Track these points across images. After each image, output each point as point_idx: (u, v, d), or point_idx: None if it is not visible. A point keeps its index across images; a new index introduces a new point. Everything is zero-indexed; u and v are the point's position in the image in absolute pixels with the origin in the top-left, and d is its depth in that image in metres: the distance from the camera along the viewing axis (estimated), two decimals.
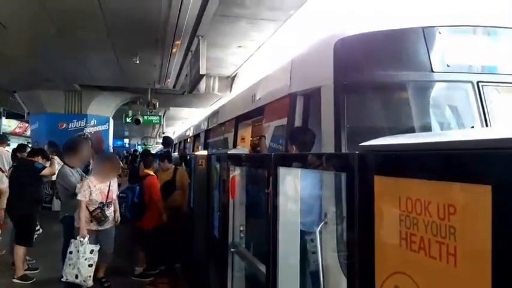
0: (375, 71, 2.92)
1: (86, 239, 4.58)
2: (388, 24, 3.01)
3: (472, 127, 2.83)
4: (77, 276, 4.51)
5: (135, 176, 7.48)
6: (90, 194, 4.76)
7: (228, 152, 3.34)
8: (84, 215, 4.68)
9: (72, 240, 4.59)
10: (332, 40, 3.02)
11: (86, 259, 4.53)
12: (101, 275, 5.13)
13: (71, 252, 4.54)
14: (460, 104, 2.94)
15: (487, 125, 2.78)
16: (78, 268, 4.50)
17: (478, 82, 2.85)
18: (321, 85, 3.08)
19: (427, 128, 2.81)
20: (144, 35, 6.66)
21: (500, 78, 2.87)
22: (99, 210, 4.78)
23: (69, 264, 4.52)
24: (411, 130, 2.79)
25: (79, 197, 4.71)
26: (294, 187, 2.17)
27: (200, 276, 4.33)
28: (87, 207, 4.74)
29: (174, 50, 6.88)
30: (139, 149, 33.07)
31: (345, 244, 2.66)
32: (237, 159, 3.04)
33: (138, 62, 7.49)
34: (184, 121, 22.65)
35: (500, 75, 2.87)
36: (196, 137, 10.53)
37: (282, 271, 2.16)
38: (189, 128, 12.80)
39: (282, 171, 2.08)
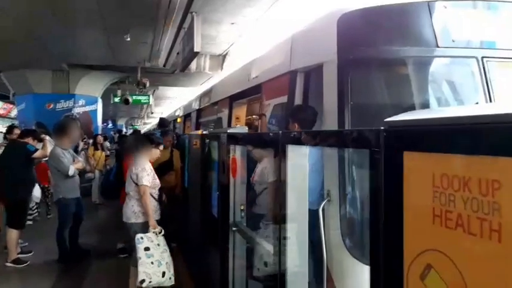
0: (379, 47, 2.86)
1: (160, 229, 4.07)
2: None
3: (477, 103, 2.81)
4: (163, 274, 3.89)
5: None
6: (154, 178, 4.27)
7: (228, 131, 3.28)
8: (150, 203, 4.11)
9: (141, 235, 3.93)
10: (335, 15, 2.94)
11: (167, 251, 4.03)
12: None
13: (147, 249, 3.86)
14: (465, 79, 2.90)
15: (491, 101, 2.76)
16: (167, 263, 3.94)
17: (482, 57, 2.82)
18: (323, 61, 3.01)
19: (432, 104, 2.78)
20: (136, 11, 6.47)
21: (505, 53, 2.84)
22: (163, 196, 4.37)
23: (151, 263, 3.84)
24: (415, 106, 2.76)
25: (144, 182, 4.08)
26: (302, 166, 2.14)
27: (198, 255, 4.31)
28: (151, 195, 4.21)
29: (166, 27, 6.71)
30: (128, 130, 32.78)
31: (353, 222, 2.66)
32: (240, 139, 2.98)
33: (129, 39, 7.30)
34: (172, 101, 22.40)
35: (505, 50, 2.84)
36: (187, 116, 10.40)
37: (290, 251, 2.15)
38: (180, 108, 12.65)
39: (290, 149, 2.04)
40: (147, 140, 4.49)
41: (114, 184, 5.44)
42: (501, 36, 2.86)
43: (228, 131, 3.23)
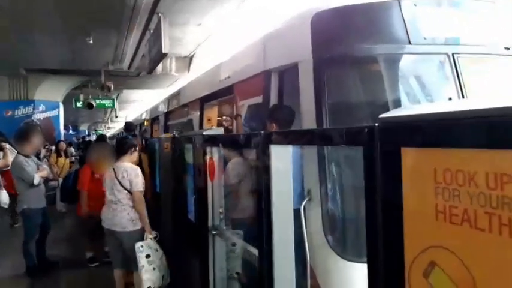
0: (354, 45, 2.87)
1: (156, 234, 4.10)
2: None
3: (450, 99, 2.86)
4: (163, 277, 4.01)
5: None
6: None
7: (204, 133, 3.21)
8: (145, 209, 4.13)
9: (141, 244, 3.95)
10: (309, 14, 2.94)
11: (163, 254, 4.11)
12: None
13: (148, 256, 3.90)
14: (438, 75, 2.96)
15: (463, 96, 2.82)
16: (165, 266, 4.04)
17: (453, 54, 2.88)
18: (298, 60, 3.00)
19: (407, 100, 2.82)
20: (99, 13, 6.27)
21: (475, 49, 2.92)
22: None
23: (154, 269, 3.90)
24: (391, 103, 2.79)
25: (140, 188, 4.08)
26: (285, 166, 2.10)
27: (174, 260, 4.21)
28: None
29: (130, 29, 6.54)
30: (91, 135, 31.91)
31: (335, 219, 2.66)
32: (219, 140, 2.92)
33: (91, 42, 7.07)
34: (137, 104, 22.00)
35: (475, 46, 2.92)
36: (154, 120, 10.19)
37: (276, 253, 2.11)
38: (146, 111, 12.39)
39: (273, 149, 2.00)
40: (128, 143, 4.34)
41: (73, 188, 5.30)
42: (471, 33, 2.93)
43: (204, 133, 3.15)
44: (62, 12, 6.34)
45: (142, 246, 3.91)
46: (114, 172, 4.08)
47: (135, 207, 4.08)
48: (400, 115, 1.16)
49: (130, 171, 4.09)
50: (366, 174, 1.28)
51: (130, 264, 4.14)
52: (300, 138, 1.80)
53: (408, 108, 1.18)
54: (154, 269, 3.89)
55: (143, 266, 3.85)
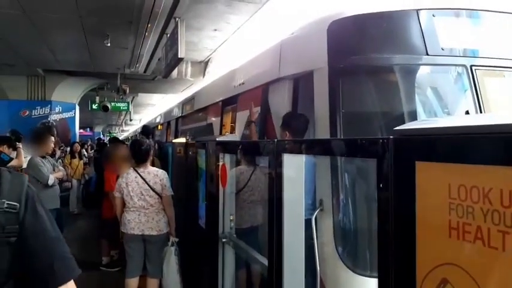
0: (370, 54, 2.85)
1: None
2: (382, 7, 2.94)
3: (467, 112, 2.82)
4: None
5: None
6: None
7: (217, 139, 3.22)
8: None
9: (175, 247, 4.10)
10: (326, 22, 2.93)
11: None
12: None
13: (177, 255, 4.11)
14: (455, 87, 2.92)
15: (481, 110, 2.78)
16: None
17: (471, 66, 2.84)
18: (313, 68, 2.99)
19: (423, 112, 2.79)
20: (118, 16, 6.34)
21: (493, 62, 2.87)
22: None
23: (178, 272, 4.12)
24: (407, 114, 2.76)
25: (171, 192, 4.14)
26: (298, 175, 2.09)
27: (185, 266, 4.21)
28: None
29: (148, 33, 6.61)
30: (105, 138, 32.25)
31: (347, 232, 2.62)
32: (232, 147, 2.92)
33: (109, 44, 7.16)
34: (151, 108, 22.18)
35: (493, 59, 2.87)
36: (167, 124, 10.25)
37: (285, 262, 2.09)
38: (160, 115, 12.48)
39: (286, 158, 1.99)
40: (149, 149, 4.36)
41: (96, 194, 5.32)
42: (489, 45, 2.89)
43: (217, 139, 3.16)
44: (81, 14, 6.44)
45: (176, 250, 4.03)
46: (142, 178, 4.08)
47: (166, 210, 4.14)
48: (416, 128, 1.15)
49: (162, 175, 4.13)
50: (379, 187, 1.26)
51: (154, 269, 4.15)
52: (312, 147, 1.79)
53: (424, 122, 1.16)
54: (178, 272, 4.02)
55: (178, 269, 3.98)
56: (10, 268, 1.07)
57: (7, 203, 1.09)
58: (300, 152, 1.83)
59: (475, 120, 1.09)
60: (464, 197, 0.98)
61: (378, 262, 1.28)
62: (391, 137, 1.20)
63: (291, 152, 1.89)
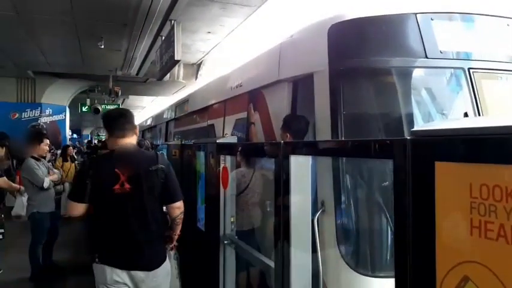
0: (370, 57, 2.89)
1: None
2: (381, 10, 2.98)
3: (465, 114, 2.86)
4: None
5: None
6: None
7: (218, 141, 3.22)
8: None
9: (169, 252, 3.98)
10: (326, 25, 2.96)
11: None
12: None
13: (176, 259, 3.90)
14: (453, 90, 2.97)
15: (479, 112, 2.82)
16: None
17: (469, 69, 2.89)
18: (313, 71, 3.01)
19: (423, 114, 2.83)
20: (113, 18, 6.29)
21: (491, 65, 2.93)
22: None
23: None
24: (407, 116, 2.79)
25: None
26: (304, 177, 2.10)
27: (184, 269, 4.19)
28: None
29: (142, 35, 6.58)
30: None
31: (350, 232, 2.65)
32: (235, 149, 2.93)
33: (102, 46, 7.10)
34: (141, 110, 22.08)
35: (491, 62, 2.92)
36: (159, 126, 10.20)
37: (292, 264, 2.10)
38: (151, 117, 12.40)
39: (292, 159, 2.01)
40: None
41: None
42: (487, 48, 2.94)
43: (218, 141, 3.16)
44: (75, 15, 6.37)
45: (175, 254, 3.80)
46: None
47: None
48: (435, 129, 1.17)
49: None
50: (396, 187, 1.28)
51: None
52: (324, 149, 1.80)
53: (442, 122, 1.19)
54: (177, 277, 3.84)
55: (177, 274, 3.78)
56: (161, 188, 2.75)
57: (160, 166, 2.75)
58: (310, 154, 1.84)
59: (494, 121, 1.11)
60: (486, 195, 1.00)
61: (394, 261, 1.30)
62: (408, 137, 1.22)
63: (301, 153, 1.90)
